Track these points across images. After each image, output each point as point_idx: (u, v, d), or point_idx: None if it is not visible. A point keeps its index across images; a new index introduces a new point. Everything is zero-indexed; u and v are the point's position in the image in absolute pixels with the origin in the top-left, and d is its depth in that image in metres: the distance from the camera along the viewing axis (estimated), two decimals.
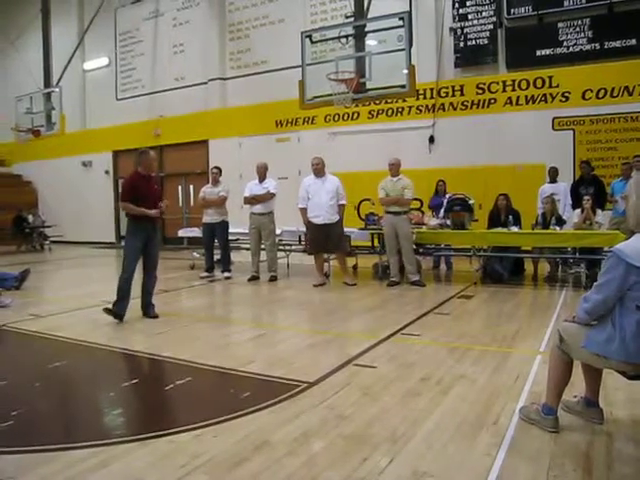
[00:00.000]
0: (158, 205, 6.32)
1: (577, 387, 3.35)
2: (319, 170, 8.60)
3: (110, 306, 6.15)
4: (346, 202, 8.73)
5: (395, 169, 8.38)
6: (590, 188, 9.15)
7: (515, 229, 8.42)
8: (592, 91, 11.18)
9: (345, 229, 9.21)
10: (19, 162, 21.04)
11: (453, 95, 12.64)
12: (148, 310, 6.40)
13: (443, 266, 10.24)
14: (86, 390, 4.14)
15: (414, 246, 8.58)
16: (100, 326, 5.98)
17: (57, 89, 14.90)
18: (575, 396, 3.33)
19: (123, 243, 6.58)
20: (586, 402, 3.19)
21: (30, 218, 17.01)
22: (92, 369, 4.63)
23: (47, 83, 15.64)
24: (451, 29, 12.77)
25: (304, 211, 8.56)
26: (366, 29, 9.67)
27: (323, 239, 8.48)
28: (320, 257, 8.78)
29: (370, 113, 13.50)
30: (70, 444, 3.01)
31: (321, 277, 8.70)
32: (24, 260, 12.79)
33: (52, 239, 17.06)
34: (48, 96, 14.98)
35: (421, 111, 12.96)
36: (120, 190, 5.64)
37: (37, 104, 15.13)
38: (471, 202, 9.07)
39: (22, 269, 8.90)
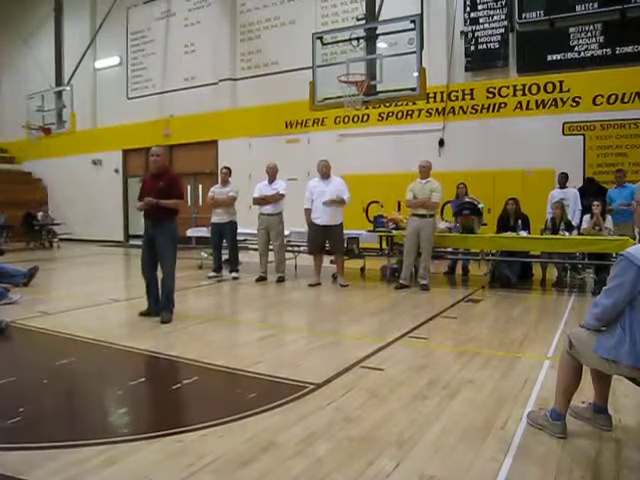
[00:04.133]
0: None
1: (586, 393, 3.33)
2: (325, 173, 8.64)
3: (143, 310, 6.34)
4: (347, 198, 8.56)
5: (425, 171, 8.32)
6: (591, 199, 9.16)
7: (524, 234, 8.39)
8: (603, 96, 11.13)
9: (353, 231, 9.24)
10: (29, 160, 21.17)
11: (463, 99, 12.62)
12: (160, 312, 6.18)
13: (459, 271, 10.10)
14: (93, 388, 4.15)
15: None
16: (108, 324, 6.01)
17: (68, 87, 15.00)
18: (583, 402, 3.31)
19: None
20: (595, 408, 3.17)
21: (39, 215, 17.09)
22: (99, 367, 4.64)
23: (59, 81, 15.77)
24: (462, 33, 12.74)
25: (308, 212, 8.68)
26: (377, 31, 9.69)
27: (322, 240, 8.69)
28: (319, 258, 8.82)
29: (380, 115, 13.50)
30: (77, 441, 3.02)
31: (317, 277, 8.75)
32: (33, 257, 12.86)
33: (61, 237, 17.14)
34: (59, 94, 15.09)
35: (431, 114, 12.95)
36: None
37: (48, 102, 15.25)
38: (480, 206, 9.05)
39: (30, 266, 8.94)
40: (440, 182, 8.30)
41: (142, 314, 6.31)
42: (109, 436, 3.13)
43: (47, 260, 13.23)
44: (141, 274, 6.35)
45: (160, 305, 6.24)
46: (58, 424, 3.44)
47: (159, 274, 6.34)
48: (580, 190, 9.75)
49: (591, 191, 9.56)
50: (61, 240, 17.06)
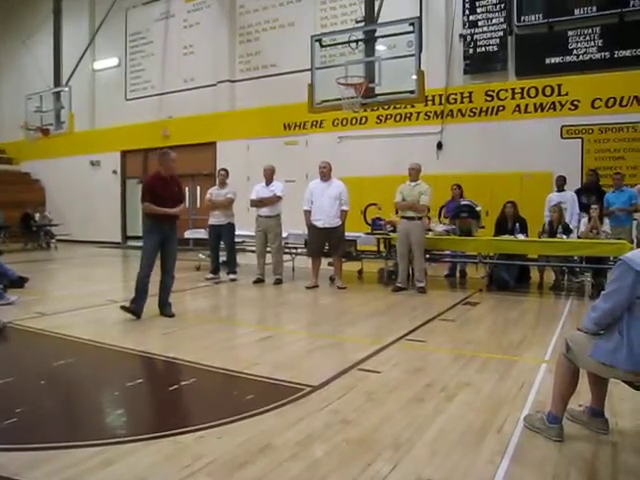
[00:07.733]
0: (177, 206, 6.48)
1: (583, 396, 3.33)
2: (325, 174, 8.64)
3: (127, 304, 6.26)
4: (348, 208, 8.70)
5: (415, 174, 8.32)
6: (592, 197, 9.17)
7: (522, 237, 8.38)
8: (601, 100, 11.16)
9: (351, 234, 9.23)
10: (27, 160, 21.12)
11: (462, 102, 12.63)
12: (164, 309, 6.49)
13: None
14: (90, 389, 4.15)
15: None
16: (105, 325, 6.00)
17: (67, 88, 14.99)
18: (580, 405, 3.32)
19: (142, 242, 6.59)
20: (591, 412, 3.18)
21: (37, 216, 17.06)
22: (97, 368, 4.63)
23: (57, 82, 15.73)
24: (461, 35, 12.77)
25: (307, 213, 8.68)
26: (376, 34, 9.70)
27: (322, 242, 8.68)
28: (317, 260, 8.82)
29: (378, 118, 13.51)
30: (74, 443, 3.01)
31: (314, 279, 8.74)
32: (30, 258, 12.85)
33: (58, 238, 17.08)
34: (58, 95, 15.07)
35: (429, 117, 12.97)
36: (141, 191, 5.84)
37: (47, 103, 15.24)
38: (478, 209, 9.06)
39: (23, 275, 8.66)
40: (432, 185, 8.33)
41: (132, 313, 6.22)
42: (106, 437, 3.13)
43: (44, 261, 13.22)
44: (143, 276, 6.28)
45: (164, 301, 6.52)
46: (55, 425, 3.43)
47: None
48: (579, 189, 9.78)
49: (592, 187, 9.58)
50: (59, 241, 17.00)
